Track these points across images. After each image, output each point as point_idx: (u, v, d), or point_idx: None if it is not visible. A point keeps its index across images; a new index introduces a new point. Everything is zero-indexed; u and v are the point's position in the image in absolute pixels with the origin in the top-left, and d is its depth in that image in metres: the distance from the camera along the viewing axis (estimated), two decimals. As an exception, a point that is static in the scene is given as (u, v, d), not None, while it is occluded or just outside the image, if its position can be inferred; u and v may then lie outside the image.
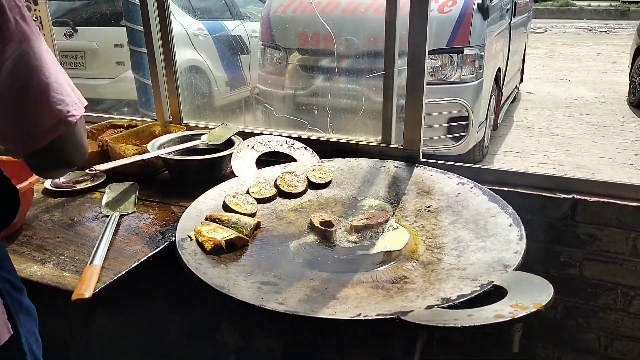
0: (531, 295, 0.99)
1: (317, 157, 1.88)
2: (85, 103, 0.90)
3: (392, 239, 1.39)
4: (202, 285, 1.14)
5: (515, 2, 5.26)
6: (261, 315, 1.07)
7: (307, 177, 1.74)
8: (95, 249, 1.35)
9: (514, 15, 5.25)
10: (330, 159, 1.84)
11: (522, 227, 1.31)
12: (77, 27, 5.31)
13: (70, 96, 0.85)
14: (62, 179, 1.83)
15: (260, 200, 1.62)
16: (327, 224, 1.46)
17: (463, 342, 1.92)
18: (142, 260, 1.33)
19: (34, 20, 2.47)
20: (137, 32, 3.02)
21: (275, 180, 1.71)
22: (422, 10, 1.65)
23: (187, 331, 1.59)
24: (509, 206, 1.42)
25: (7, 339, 0.90)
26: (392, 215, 1.54)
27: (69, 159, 0.92)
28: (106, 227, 1.48)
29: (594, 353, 1.77)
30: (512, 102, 6.76)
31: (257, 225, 1.48)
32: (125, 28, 3.11)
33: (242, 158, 1.82)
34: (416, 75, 1.71)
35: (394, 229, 1.43)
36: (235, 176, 1.73)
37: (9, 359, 0.92)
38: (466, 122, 3.81)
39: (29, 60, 0.80)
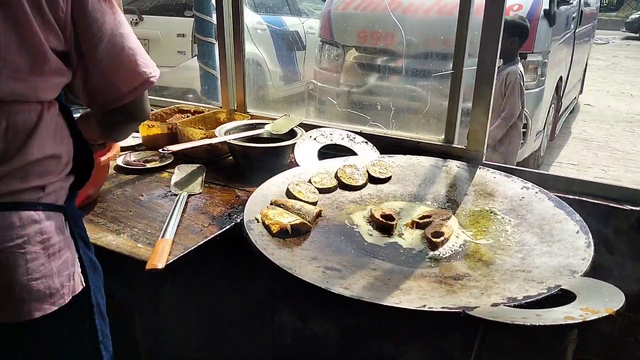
0: (602, 301, 0.98)
1: (378, 152, 1.90)
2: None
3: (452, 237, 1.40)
4: (270, 265, 1.17)
5: (582, 11, 5.10)
6: (324, 298, 1.10)
7: (367, 171, 1.76)
8: (166, 224, 1.42)
9: (580, 24, 5.10)
10: (390, 155, 1.85)
11: (590, 234, 1.29)
12: (142, 16, 5.50)
13: (149, 60, 1.03)
14: (132, 157, 1.92)
15: (321, 190, 1.65)
16: (388, 217, 1.48)
17: (514, 349, 1.90)
18: (210, 237, 1.38)
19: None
20: (206, 22, 3.13)
21: (336, 172, 1.73)
22: (496, 11, 1.64)
23: (244, 310, 1.64)
24: (576, 213, 1.40)
25: (80, 290, 0.99)
26: (454, 215, 1.54)
27: (142, 115, 1.09)
28: (176, 204, 1.55)
29: (651, 372, 1.71)
30: (570, 113, 6.56)
31: (319, 214, 1.51)
32: (187, 18, 3.23)
33: (305, 149, 1.86)
34: (485, 76, 1.70)
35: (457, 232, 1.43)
36: (298, 165, 1.77)
37: (79, 309, 1.01)
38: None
39: (121, 29, 0.98)
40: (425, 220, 1.48)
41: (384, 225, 1.46)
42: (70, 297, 0.96)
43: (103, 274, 1.13)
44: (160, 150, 1.72)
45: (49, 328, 0.94)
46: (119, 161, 1.87)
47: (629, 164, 5.25)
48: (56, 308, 0.93)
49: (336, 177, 1.72)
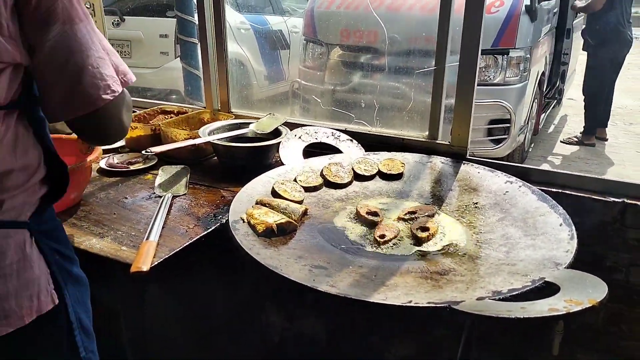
0: (585, 292, 0.99)
1: (363, 150, 1.90)
2: (132, 80, 0.97)
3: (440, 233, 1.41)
4: (256, 265, 1.17)
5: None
6: (311, 297, 1.09)
7: (352, 169, 1.76)
8: (150, 226, 1.40)
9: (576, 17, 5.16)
10: (375, 152, 1.85)
11: (573, 227, 1.30)
12: (124, 17, 5.45)
13: (105, 80, 0.89)
14: (115, 160, 1.90)
15: (307, 189, 1.64)
16: (373, 214, 1.48)
17: (501, 342, 1.91)
18: (195, 239, 1.37)
19: (87, 6, 2.56)
20: (188, 22, 3.12)
21: (322, 170, 1.73)
22: (477, 7, 1.65)
23: (231, 310, 1.64)
24: (559, 206, 1.41)
25: (52, 308, 0.93)
26: (439, 210, 1.55)
27: (102, 133, 0.99)
28: (160, 206, 1.53)
29: (636, 361, 1.74)
30: (553, 108, 6.63)
31: (305, 212, 1.51)
32: (170, 19, 3.22)
33: (290, 147, 1.86)
34: (468, 72, 1.71)
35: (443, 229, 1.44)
36: (283, 164, 1.77)
37: (55, 327, 0.96)
38: (507, 125, 3.76)
39: (68, 42, 0.86)
40: (410, 216, 1.49)
41: (370, 222, 1.46)
42: (34, 317, 0.90)
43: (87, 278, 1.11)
44: (143, 152, 1.71)
45: (18, 347, 0.90)
46: (102, 163, 1.84)
47: (612, 157, 5.32)
48: (12, 329, 0.87)
49: (322, 175, 1.72)
